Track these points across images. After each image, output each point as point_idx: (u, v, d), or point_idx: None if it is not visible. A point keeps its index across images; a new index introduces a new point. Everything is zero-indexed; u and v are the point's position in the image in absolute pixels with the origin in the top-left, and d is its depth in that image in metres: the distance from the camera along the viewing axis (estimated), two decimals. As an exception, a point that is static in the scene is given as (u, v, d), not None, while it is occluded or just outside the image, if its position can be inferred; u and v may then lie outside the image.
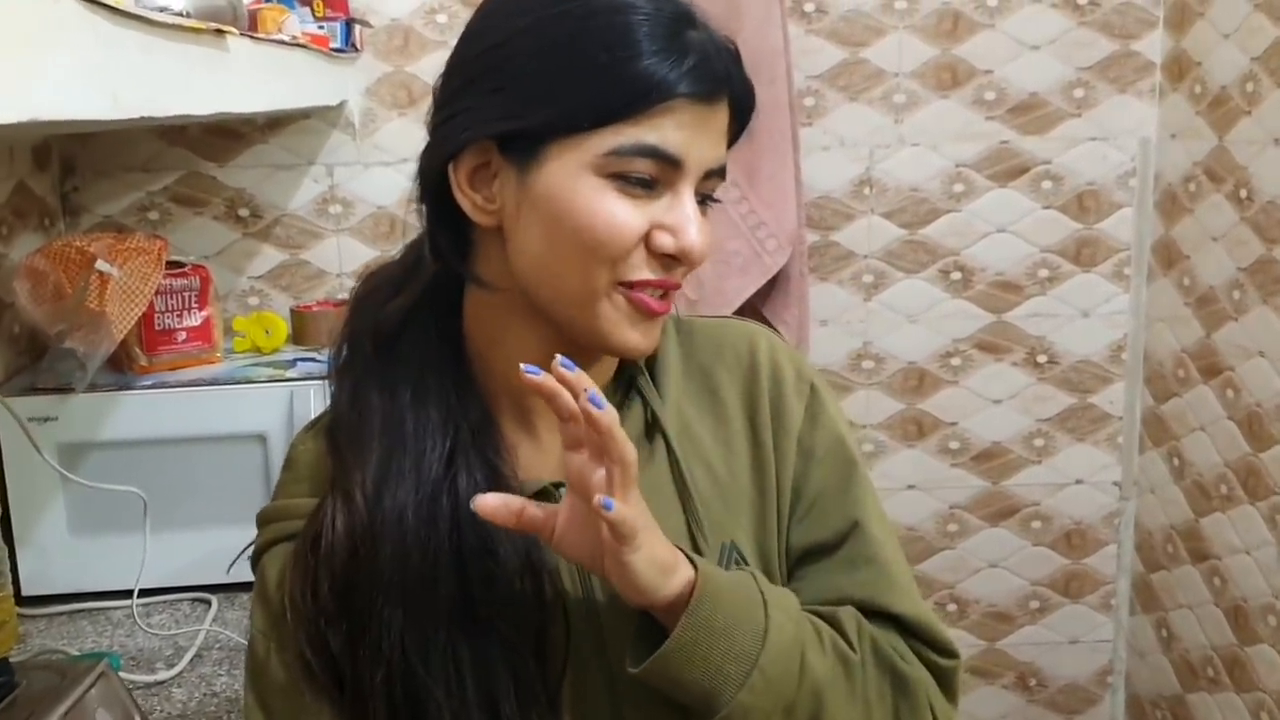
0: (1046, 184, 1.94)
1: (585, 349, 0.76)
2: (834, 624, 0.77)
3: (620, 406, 0.82)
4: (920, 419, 2.01)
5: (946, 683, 0.80)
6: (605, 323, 0.73)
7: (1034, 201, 1.94)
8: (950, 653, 0.80)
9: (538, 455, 0.80)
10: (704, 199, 0.75)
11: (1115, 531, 2.06)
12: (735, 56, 0.75)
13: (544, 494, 0.78)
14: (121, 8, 0.75)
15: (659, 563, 0.68)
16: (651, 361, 0.83)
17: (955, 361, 1.99)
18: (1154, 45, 1.90)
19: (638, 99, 0.69)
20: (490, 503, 0.68)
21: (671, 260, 0.73)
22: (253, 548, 0.83)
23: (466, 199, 0.74)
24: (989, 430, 2.02)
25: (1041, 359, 2.00)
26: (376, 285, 0.82)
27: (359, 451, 0.76)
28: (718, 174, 0.75)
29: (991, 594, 2.08)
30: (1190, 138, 1.86)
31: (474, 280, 0.78)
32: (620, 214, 0.71)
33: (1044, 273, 1.96)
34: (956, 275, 1.96)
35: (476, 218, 0.75)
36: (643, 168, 0.70)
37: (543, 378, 0.66)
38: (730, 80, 0.74)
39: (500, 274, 0.76)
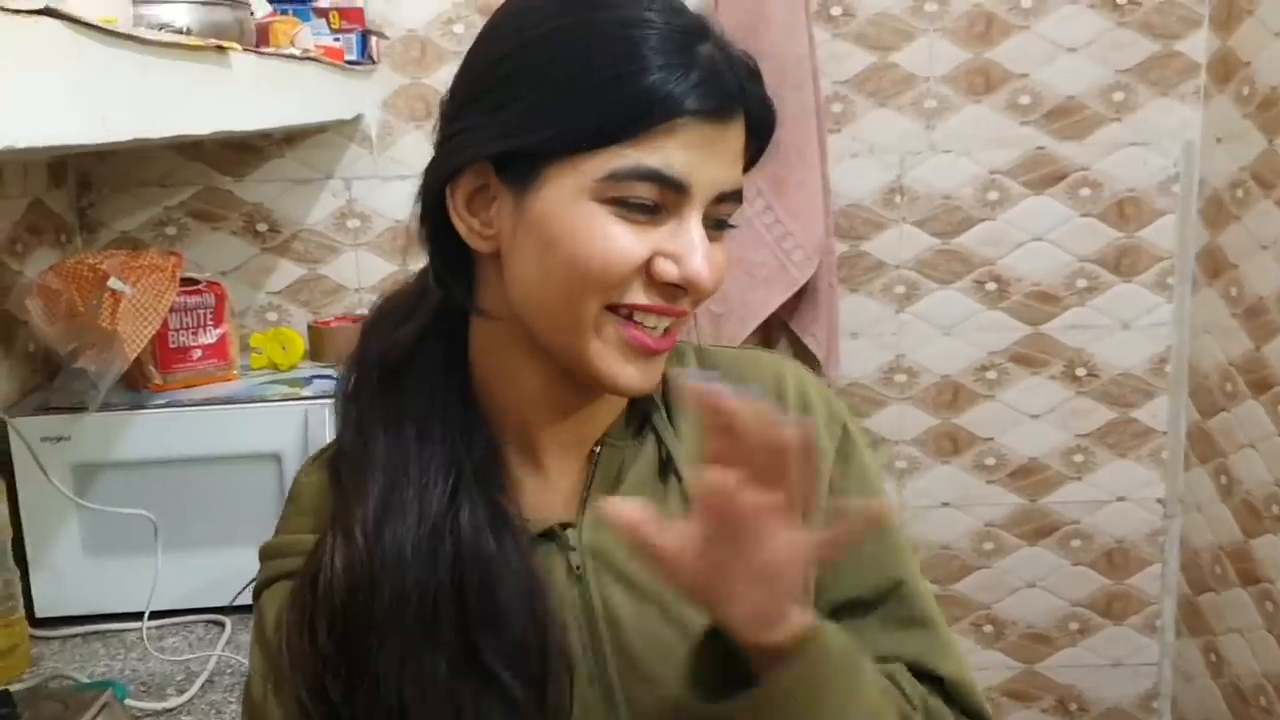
0: (1085, 191, 1.87)
1: (585, 386, 0.72)
2: (893, 682, 0.73)
3: (632, 443, 0.78)
4: (955, 434, 1.95)
5: None
6: (596, 357, 0.69)
7: (1071, 209, 1.87)
8: (985, 718, 0.77)
9: (545, 493, 0.76)
10: (719, 224, 0.71)
11: (1160, 551, 1.99)
12: (753, 72, 0.70)
13: (549, 535, 0.74)
14: (114, 29, 0.72)
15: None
16: (669, 395, 0.79)
17: (991, 375, 1.93)
18: (1199, 45, 1.83)
19: (637, 119, 0.65)
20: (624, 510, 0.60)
21: (676, 289, 0.68)
22: (254, 583, 0.80)
23: (464, 223, 0.71)
24: (1026, 446, 1.95)
25: (1081, 372, 1.93)
26: (386, 311, 0.79)
27: (361, 486, 0.73)
28: (732, 198, 0.70)
29: (1030, 615, 2.01)
30: (1237, 141, 1.78)
31: (475, 309, 0.74)
32: (619, 240, 0.66)
33: (1083, 283, 1.90)
34: (992, 286, 1.90)
35: (474, 243, 0.71)
36: (644, 192, 0.66)
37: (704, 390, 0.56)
38: (745, 97, 0.69)
39: (500, 303, 0.72)
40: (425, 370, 0.75)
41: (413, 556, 0.70)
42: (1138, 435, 1.95)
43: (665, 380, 0.79)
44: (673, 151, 0.66)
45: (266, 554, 0.78)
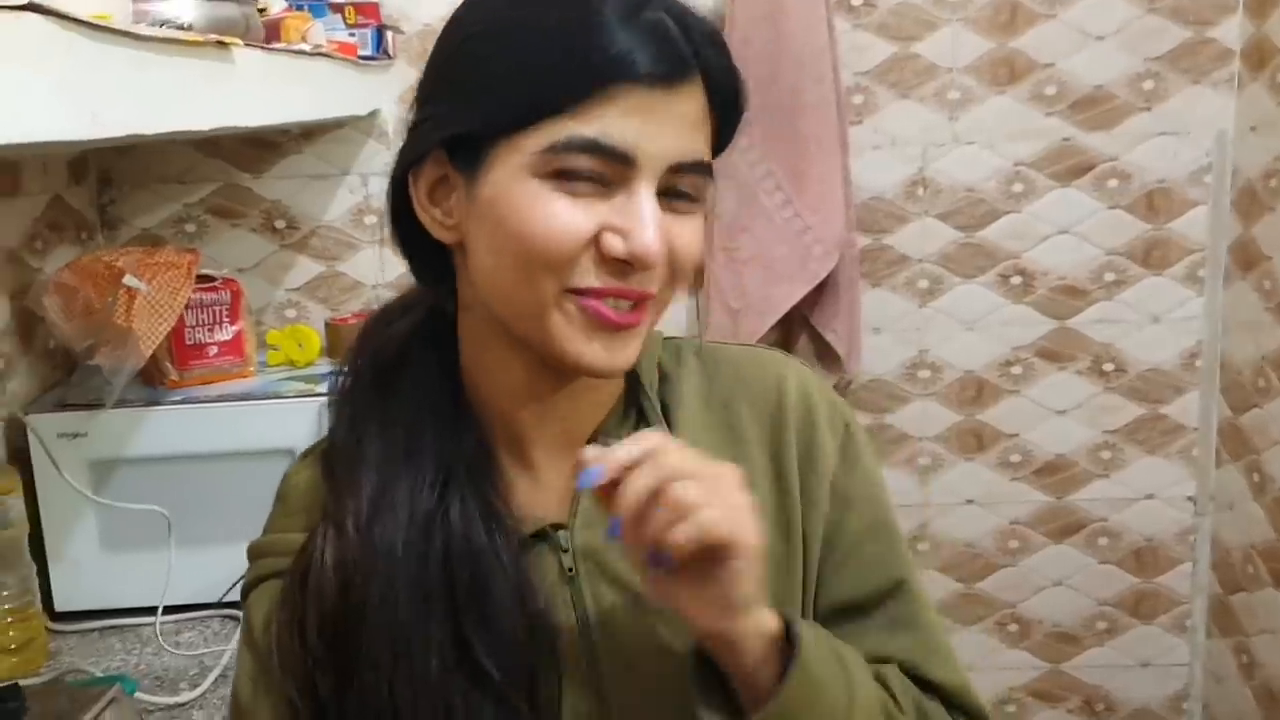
0: (1113, 182, 1.83)
1: (560, 371, 0.70)
2: (881, 683, 0.71)
3: (623, 437, 0.76)
4: (980, 430, 1.92)
5: None
6: (558, 336, 0.67)
7: (1099, 201, 1.84)
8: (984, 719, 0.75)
9: (537, 493, 0.75)
10: (681, 196, 0.68)
11: (1190, 549, 1.94)
12: (711, 37, 0.68)
13: (542, 535, 0.73)
14: (105, 24, 0.72)
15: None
16: (666, 391, 0.77)
17: (1016, 370, 1.90)
18: (1232, 31, 1.78)
19: (570, 88, 0.63)
20: None
21: (626, 266, 0.66)
22: (242, 582, 0.80)
23: (427, 215, 0.70)
24: (1052, 442, 1.92)
25: (1108, 367, 1.89)
26: (385, 310, 0.79)
27: (354, 481, 0.72)
28: (693, 169, 0.67)
29: (1056, 614, 1.97)
30: (1271, 131, 1.74)
31: (450, 303, 0.74)
32: (561, 216, 0.64)
33: (1110, 276, 1.86)
34: (1017, 279, 1.87)
35: (439, 234, 0.70)
36: (584, 164, 0.64)
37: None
38: (702, 62, 0.66)
39: (472, 295, 0.71)
40: (418, 368, 0.75)
41: (404, 553, 0.69)
42: (1167, 432, 1.91)
43: (662, 375, 0.78)
44: (612, 120, 0.63)
45: (254, 553, 0.78)
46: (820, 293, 1.79)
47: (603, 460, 0.61)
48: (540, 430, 0.74)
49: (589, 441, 0.75)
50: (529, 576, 0.70)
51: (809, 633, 0.65)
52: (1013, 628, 1.98)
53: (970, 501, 1.94)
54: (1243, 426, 1.84)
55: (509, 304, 0.68)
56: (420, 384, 0.74)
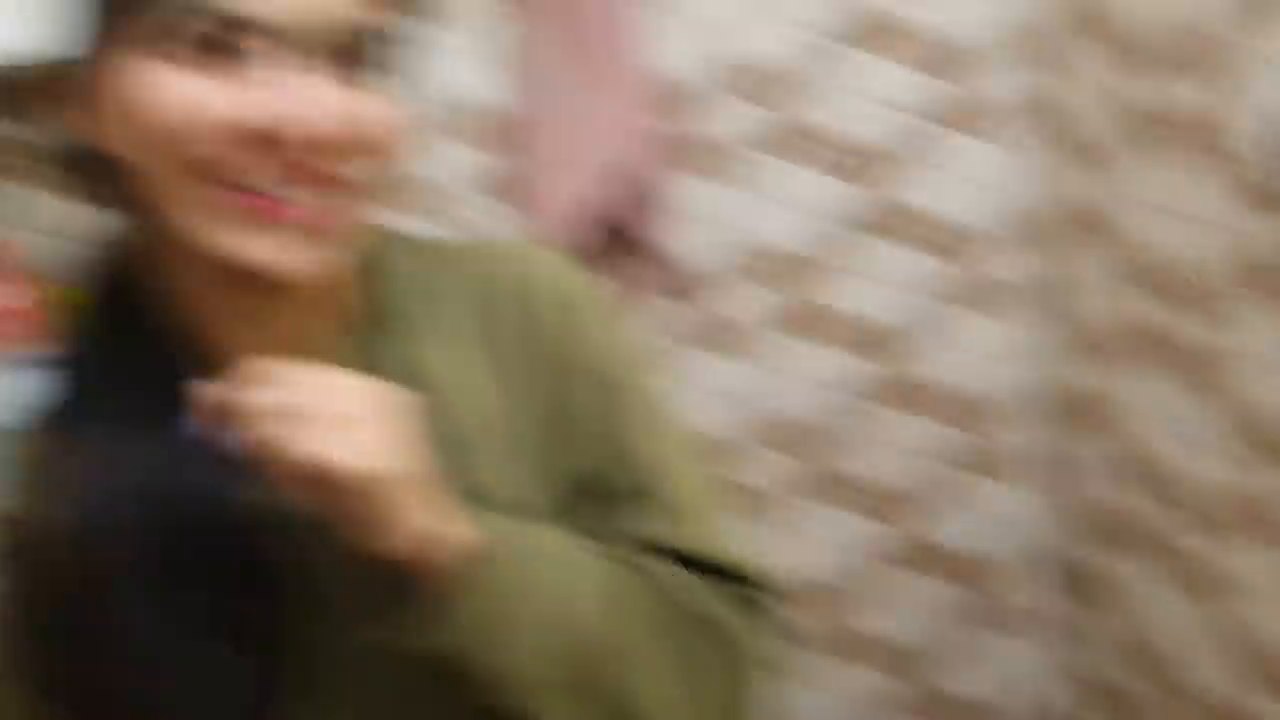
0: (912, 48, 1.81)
1: (245, 284, 0.65)
2: (642, 570, 0.70)
3: (349, 359, 0.72)
4: (817, 312, 1.92)
5: (761, 618, 0.74)
6: (214, 234, 0.62)
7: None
8: (763, 585, 0.74)
9: None
10: (350, 64, 0.62)
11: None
12: None
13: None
14: None
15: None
16: (396, 292, 0.74)
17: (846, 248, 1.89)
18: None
19: None
20: None
21: (282, 147, 0.60)
22: None
23: (77, 126, 0.66)
24: (887, 313, 1.93)
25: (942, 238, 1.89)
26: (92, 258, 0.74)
27: (72, 445, 0.67)
28: (353, 32, 0.62)
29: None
30: None
31: (135, 226, 0.69)
32: (195, 96, 0.59)
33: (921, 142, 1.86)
34: (840, 158, 1.84)
35: (95, 144, 0.65)
36: (200, 28, 0.59)
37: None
38: None
39: (140, 211, 0.67)
40: (128, 312, 0.70)
41: (124, 512, 0.65)
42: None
43: (392, 275, 0.74)
44: None
45: None
46: (632, 188, 1.74)
47: (207, 401, 0.61)
48: (261, 356, 0.70)
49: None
50: (255, 517, 0.66)
51: (500, 543, 0.64)
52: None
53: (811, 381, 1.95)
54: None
55: (161, 210, 0.64)
56: (132, 329, 0.70)
